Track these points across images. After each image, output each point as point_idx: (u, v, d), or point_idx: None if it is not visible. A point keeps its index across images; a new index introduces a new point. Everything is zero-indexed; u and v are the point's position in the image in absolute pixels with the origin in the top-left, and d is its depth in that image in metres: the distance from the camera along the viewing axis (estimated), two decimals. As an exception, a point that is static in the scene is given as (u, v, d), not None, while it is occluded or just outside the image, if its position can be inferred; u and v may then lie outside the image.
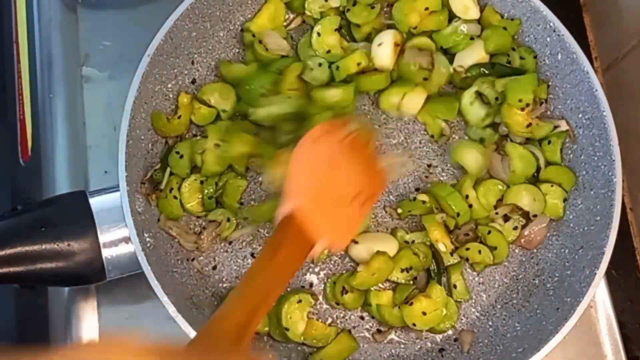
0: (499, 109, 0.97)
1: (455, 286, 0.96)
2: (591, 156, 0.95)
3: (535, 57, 0.99)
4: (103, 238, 0.87)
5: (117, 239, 0.87)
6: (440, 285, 0.95)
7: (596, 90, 0.93)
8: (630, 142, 1.01)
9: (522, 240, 0.98)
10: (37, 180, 1.02)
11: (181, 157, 0.95)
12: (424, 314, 0.93)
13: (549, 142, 0.98)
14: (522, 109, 0.96)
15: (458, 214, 0.95)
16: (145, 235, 0.89)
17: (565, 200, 0.97)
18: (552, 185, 0.97)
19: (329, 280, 0.96)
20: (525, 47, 0.99)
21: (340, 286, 0.94)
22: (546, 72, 0.99)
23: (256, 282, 0.73)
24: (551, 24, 0.96)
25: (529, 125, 0.96)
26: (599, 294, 1.02)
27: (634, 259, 1.09)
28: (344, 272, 0.97)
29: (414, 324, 0.93)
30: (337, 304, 0.95)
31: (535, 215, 0.97)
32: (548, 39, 0.97)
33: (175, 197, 0.95)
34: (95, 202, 0.87)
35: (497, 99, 0.97)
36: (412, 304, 0.93)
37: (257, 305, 0.71)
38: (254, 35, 1.01)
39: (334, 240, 0.82)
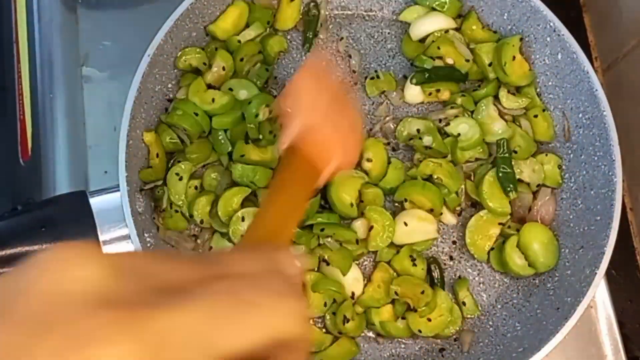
0: None
1: (464, 303, 0.96)
2: (591, 156, 0.95)
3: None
4: (103, 238, 0.87)
5: (117, 239, 0.87)
6: (444, 291, 0.95)
7: (596, 90, 0.93)
8: (630, 142, 1.01)
9: (539, 219, 0.98)
10: (37, 180, 1.02)
11: (180, 178, 0.95)
12: (429, 320, 0.93)
13: (535, 116, 1.00)
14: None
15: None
16: (146, 235, 0.89)
17: (560, 167, 0.98)
18: (546, 155, 0.99)
19: (328, 311, 0.94)
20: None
21: (341, 315, 0.93)
22: (546, 72, 0.99)
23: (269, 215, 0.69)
24: (551, 24, 0.96)
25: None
26: (599, 294, 1.02)
27: (634, 259, 1.09)
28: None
29: (420, 331, 0.93)
30: (340, 333, 0.94)
31: (538, 187, 0.98)
32: (548, 39, 0.97)
33: (176, 211, 0.95)
34: (95, 202, 0.87)
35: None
36: (416, 310, 0.93)
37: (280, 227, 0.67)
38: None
39: (345, 159, 0.80)
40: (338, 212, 0.95)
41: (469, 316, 0.96)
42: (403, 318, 0.94)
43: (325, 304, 0.94)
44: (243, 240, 0.68)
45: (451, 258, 0.98)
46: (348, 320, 0.93)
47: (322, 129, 0.76)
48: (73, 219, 0.86)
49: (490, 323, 0.96)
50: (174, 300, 0.43)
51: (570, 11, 1.18)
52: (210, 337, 0.43)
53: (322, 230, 0.93)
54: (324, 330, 0.94)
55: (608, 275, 0.90)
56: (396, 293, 0.94)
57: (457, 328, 0.95)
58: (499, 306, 0.97)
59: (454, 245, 0.99)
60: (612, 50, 1.12)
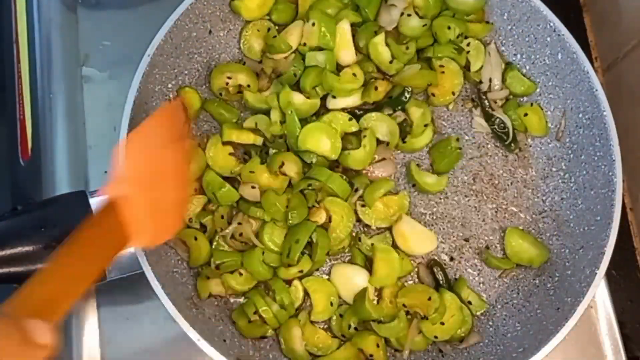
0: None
1: (470, 302, 0.96)
2: (591, 156, 0.95)
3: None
4: (103, 238, 0.86)
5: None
6: (451, 292, 0.95)
7: (596, 90, 0.93)
8: (630, 142, 1.01)
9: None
10: (37, 180, 1.02)
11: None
12: (442, 324, 0.93)
13: (525, 115, 1.02)
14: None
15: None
16: (145, 235, 0.89)
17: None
18: (531, 104, 1.01)
19: (335, 312, 0.95)
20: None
21: (347, 320, 0.94)
22: (546, 71, 0.99)
23: (65, 269, 0.69)
24: (551, 24, 0.96)
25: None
26: (599, 294, 1.01)
27: (634, 259, 1.09)
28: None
29: (436, 337, 0.93)
30: (344, 337, 0.94)
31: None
32: (548, 39, 0.97)
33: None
34: (95, 202, 0.87)
35: None
36: (428, 318, 0.93)
37: (63, 292, 0.67)
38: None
39: (154, 235, 0.79)
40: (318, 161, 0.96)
41: (478, 313, 0.96)
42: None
43: (331, 303, 0.94)
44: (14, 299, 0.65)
45: (452, 259, 0.98)
46: (354, 328, 0.93)
47: (139, 204, 0.74)
48: (73, 219, 0.86)
49: (490, 323, 0.96)
50: None
51: (570, 11, 1.19)
52: None
53: (309, 186, 0.94)
54: (330, 334, 0.94)
55: (608, 275, 0.90)
56: (404, 305, 0.94)
57: (469, 327, 0.95)
58: (499, 306, 0.97)
59: (453, 245, 0.99)
60: (612, 50, 1.12)
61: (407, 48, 1.00)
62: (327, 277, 0.96)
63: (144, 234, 0.75)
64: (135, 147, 0.78)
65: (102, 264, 0.73)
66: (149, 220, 0.75)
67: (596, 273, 0.89)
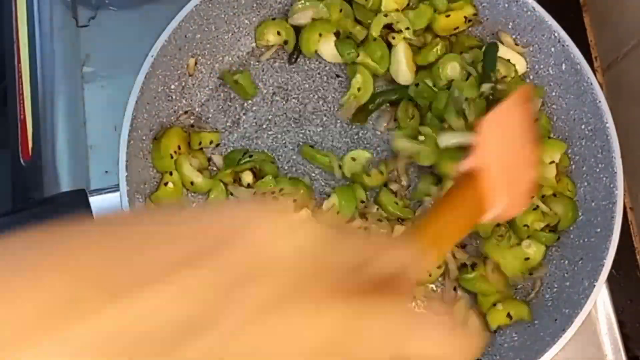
0: None
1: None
2: (593, 167, 0.95)
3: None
4: (101, 237, 0.86)
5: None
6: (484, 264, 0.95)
7: (599, 101, 0.93)
8: (630, 142, 1.01)
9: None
10: (38, 180, 1.02)
11: None
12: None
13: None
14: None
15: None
16: (144, 235, 0.88)
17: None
18: None
19: None
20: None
21: None
22: (550, 82, 0.99)
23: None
24: (556, 34, 0.96)
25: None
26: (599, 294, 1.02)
27: (634, 259, 1.10)
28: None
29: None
30: None
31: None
32: (552, 49, 0.97)
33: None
34: (95, 201, 0.87)
35: None
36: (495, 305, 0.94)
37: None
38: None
39: (508, 208, 0.79)
40: None
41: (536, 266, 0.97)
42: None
43: None
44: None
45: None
46: None
47: (497, 173, 0.75)
48: (72, 217, 0.86)
49: (487, 333, 0.96)
50: (371, 297, 0.43)
51: (570, 11, 1.19)
52: (398, 342, 0.43)
53: None
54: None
55: (608, 275, 0.90)
56: None
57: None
58: (497, 316, 0.97)
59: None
60: (612, 49, 1.13)
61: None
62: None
63: (500, 205, 0.76)
64: (494, 125, 0.79)
65: (467, 227, 0.72)
66: (505, 193, 0.77)
67: (595, 285, 0.88)
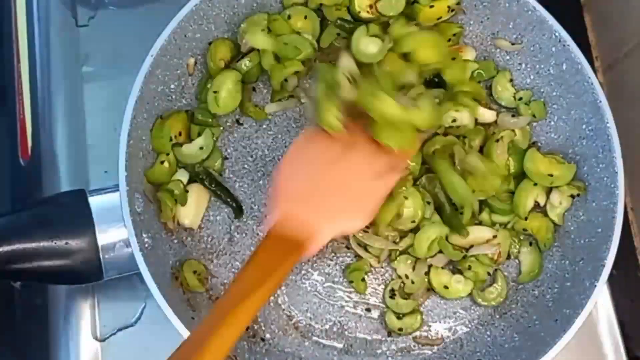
0: None
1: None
2: (594, 168, 0.94)
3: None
4: (101, 237, 0.86)
5: (115, 239, 0.87)
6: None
7: (600, 101, 0.93)
8: (631, 142, 1.00)
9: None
10: (37, 180, 1.02)
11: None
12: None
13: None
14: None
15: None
16: (144, 235, 0.88)
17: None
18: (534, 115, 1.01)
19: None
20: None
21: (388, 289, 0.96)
22: (551, 82, 0.99)
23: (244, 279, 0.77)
24: (557, 34, 0.96)
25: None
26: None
27: (634, 258, 1.10)
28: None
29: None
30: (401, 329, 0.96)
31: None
32: (553, 49, 0.97)
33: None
34: (94, 201, 0.87)
35: None
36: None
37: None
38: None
39: (345, 224, 0.83)
40: None
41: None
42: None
43: None
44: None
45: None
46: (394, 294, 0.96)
47: (300, 211, 0.80)
48: (72, 218, 0.86)
49: (488, 333, 0.96)
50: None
51: (571, 11, 1.19)
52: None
53: None
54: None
55: (609, 275, 0.90)
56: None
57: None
58: (497, 316, 0.97)
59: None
60: (613, 49, 1.12)
61: None
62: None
63: (326, 232, 0.81)
64: (292, 159, 0.85)
65: (280, 277, 0.79)
66: (332, 211, 0.82)
67: (596, 285, 0.88)
